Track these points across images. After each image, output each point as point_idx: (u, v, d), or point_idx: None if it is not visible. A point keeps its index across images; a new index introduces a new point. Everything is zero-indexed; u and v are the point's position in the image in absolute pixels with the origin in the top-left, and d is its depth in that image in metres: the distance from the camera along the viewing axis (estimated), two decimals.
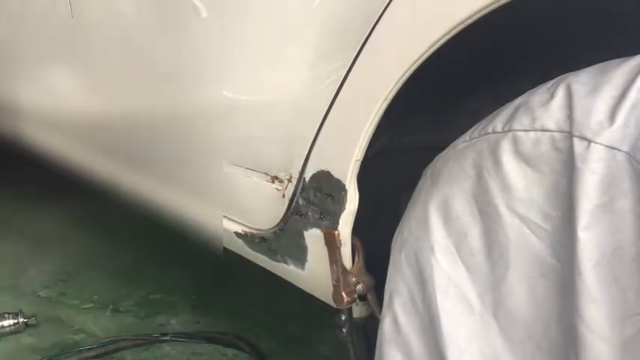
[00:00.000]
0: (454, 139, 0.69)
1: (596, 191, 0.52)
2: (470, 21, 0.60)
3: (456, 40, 0.63)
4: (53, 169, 1.55)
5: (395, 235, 0.76)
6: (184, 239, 1.17)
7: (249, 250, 1.00)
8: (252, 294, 1.69)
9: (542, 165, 0.57)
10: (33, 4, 1.40)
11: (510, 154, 0.60)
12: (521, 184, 0.59)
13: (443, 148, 0.71)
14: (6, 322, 1.49)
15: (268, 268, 0.99)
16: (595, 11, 0.69)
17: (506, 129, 0.61)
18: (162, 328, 1.56)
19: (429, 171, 0.72)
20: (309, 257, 0.87)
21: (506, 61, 0.83)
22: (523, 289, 0.60)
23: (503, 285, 0.61)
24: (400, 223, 0.75)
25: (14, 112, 1.58)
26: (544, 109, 0.57)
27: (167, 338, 1.50)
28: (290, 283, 0.95)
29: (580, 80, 0.56)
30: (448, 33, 0.62)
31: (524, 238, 0.59)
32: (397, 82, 0.68)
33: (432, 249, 0.67)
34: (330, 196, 0.80)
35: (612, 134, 0.52)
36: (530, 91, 0.62)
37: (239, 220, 1.01)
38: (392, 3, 0.67)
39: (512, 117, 0.61)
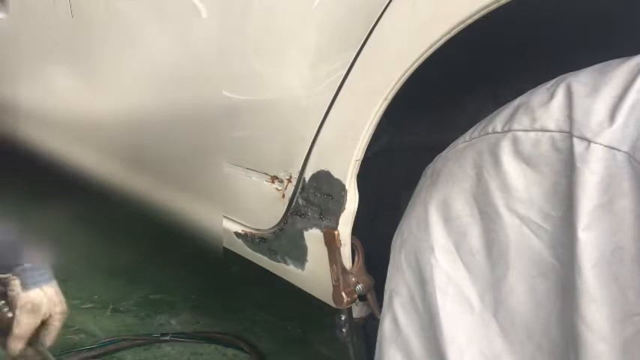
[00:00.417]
0: (454, 139, 0.69)
1: (596, 191, 0.52)
2: (470, 21, 0.60)
3: (456, 39, 0.63)
4: (53, 168, 1.55)
5: (395, 235, 0.76)
6: (184, 239, 1.17)
7: (248, 250, 1.00)
8: (252, 294, 1.69)
9: (542, 165, 0.57)
10: (33, 4, 1.40)
11: (510, 154, 0.60)
12: (521, 184, 0.59)
13: (443, 148, 0.71)
14: None
15: (268, 268, 0.99)
16: (595, 11, 0.69)
17: (506, 129, 0.61)
18: (163, 328, 1.56)
19: (429, 171, 0.72)
20: (309, 257, 0.87)
21: (506, 61, 0.83)
22: (523, 288, 0.60)
23: (503, 285, 0.61)
24: (400, 223, 0.75)
25: (14, 112, 1.58)
26: (544, 109, 0.57)
27: (167, 338, 1.50)
28: (290, 283, 0.95)
29: (580, 80, 0.56)
30: (448, 33, 0.62)
31: (524, 238, 0.59)
32: (397, 82, 0.68)
33: (431, 249, 0.67)
34: (330, 196, 0.80)
35: (612, 134, 0.52)
36: (530, 91, 0.61)
37: (239, 220, 1.01)
38: (392, 3, 0.67)
39: (512, 117, 0.61)
